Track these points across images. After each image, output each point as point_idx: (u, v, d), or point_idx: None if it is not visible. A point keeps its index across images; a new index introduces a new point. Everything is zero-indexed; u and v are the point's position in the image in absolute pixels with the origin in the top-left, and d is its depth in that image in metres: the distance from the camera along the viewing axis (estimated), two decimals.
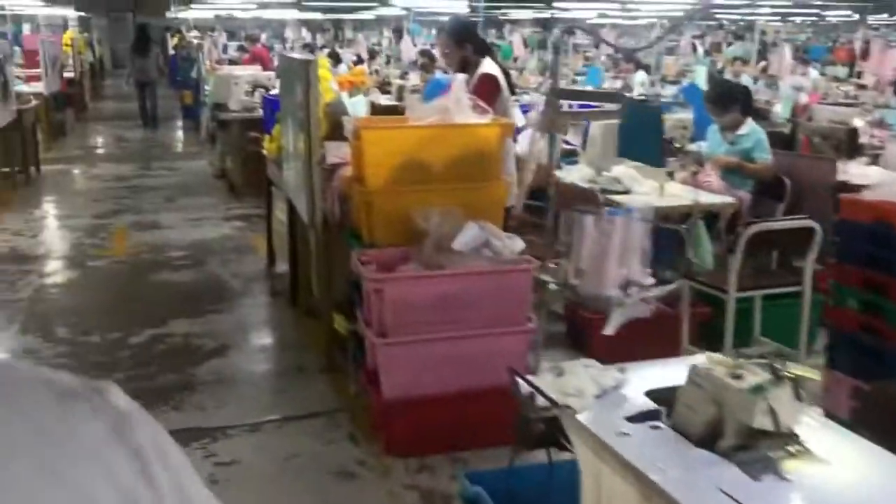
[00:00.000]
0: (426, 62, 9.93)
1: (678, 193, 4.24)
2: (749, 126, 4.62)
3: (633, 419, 1.75)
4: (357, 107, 4.59)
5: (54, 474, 0.46)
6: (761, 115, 6.42)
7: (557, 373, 1.99)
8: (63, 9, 23.24)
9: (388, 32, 21.57)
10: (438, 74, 9.68)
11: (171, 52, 19.47)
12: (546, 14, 21.50)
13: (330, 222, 3.85)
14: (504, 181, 3.58)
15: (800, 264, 3.82)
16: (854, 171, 4.93)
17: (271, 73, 9.31)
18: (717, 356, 1.81)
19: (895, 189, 3.42)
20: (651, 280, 2.77)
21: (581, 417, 1.78)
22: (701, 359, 1.82)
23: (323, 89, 4.35)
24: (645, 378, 1.93)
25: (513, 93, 4.38)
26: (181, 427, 3.46)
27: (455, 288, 3.13)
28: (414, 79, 9.64)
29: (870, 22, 20.45)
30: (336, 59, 13.12)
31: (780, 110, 7.46)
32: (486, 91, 4.00)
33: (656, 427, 1.73)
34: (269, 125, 7.81)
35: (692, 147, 5.07)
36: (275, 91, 8.90)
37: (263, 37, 18.34)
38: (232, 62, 14.60)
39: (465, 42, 4.22)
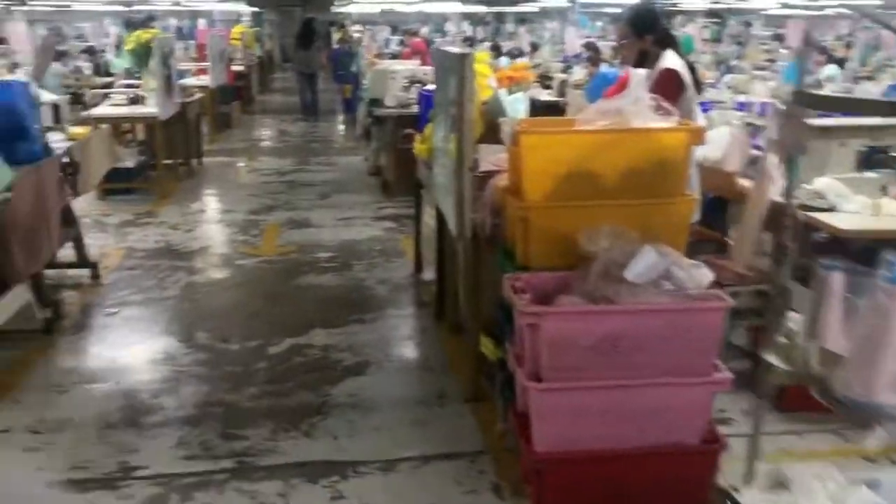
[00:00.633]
0: (592, 55, 9.33)
1: None
2: None
3: None
4: (516, 105, 4.13)
5: None
6: None
7: (775, 482, 1.45)
8: (236, 4, 24.19)
9: (551, 24, 20.99)
10: (604, 68, 9.08)
11: (335, 46, 19.80)
12: (722, 5, 20.18)
13: (480, 236, 3.41)
14: (689, 198, 3.00)
15: None
16: None
17: (429, 69, 9.03)
18: None
19: None
20: None
21: None
22: None
23: (479, 86, 3.93)
24: None
25: (699, 91, 3.77)
26: (311, 459, 3.15)
27: (626, 327, 2.60)
28: (578, 73, 9.06)
29: None
30: (497, 51, 12.74)
31: None
32: (669, 89, 3.43)
33: None
34: (425, 122, 7.51)
35: None
36: (431, 86, 8.62)
37: (424, 30, 18.23)
38: (393, 56, 14.58)
39: (647, 32, 3.65)
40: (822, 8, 20.27)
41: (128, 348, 4.28)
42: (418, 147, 4.77)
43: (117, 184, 7.84)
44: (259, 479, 3.04)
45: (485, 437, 3.31)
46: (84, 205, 7.18)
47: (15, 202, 3.72)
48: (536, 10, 28.02)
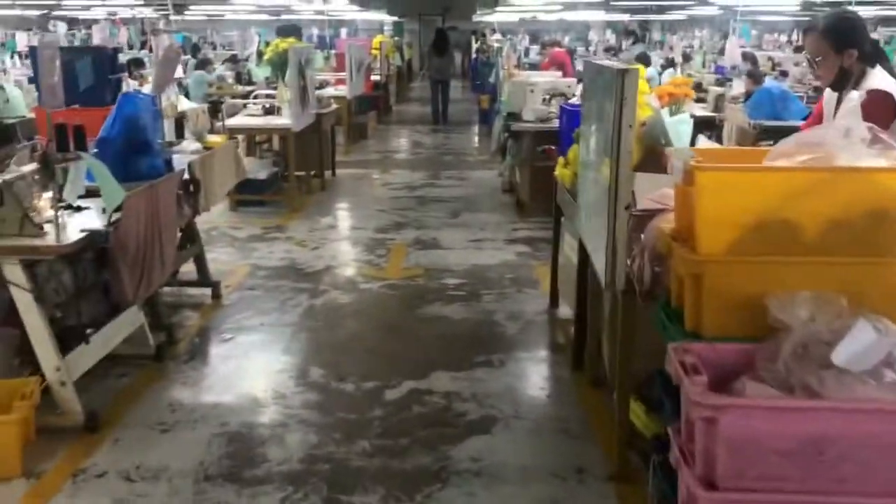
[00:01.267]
0: (752, 68, 8.50)
1: None
2: None
3: None
4: (680, 128, 3.54)
5: None
6: None
7: None
8: (378, 13, 24.39)
9: (700, 32, 19.90)
10: (769, 82, 8.23)
11: (474, 55, 19.51)
12: None
13: (635, 286, 2.86)
14: None
15: None
16: None
17: (571, 80, 8.48)
18: None
19: None
20: None
21: None
22: None
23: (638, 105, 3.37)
24: None
25: None
26: None
27: (834, 430, 1.99)
28: (738, 86, 8.26)
29: None
30: (645, 62, 12.01)
31: None
32: (880, 115, 2.76)
33: None
34: (566, 139, 6.97)
35: None
36: (574, 100, 8.06)
37: (566, 39, 17.63)
38: (532, 66, 14.10)
39: (849, 46, 2.98)
40: None
41: (238, 382, 3.97)
42: (560, 171, 4.24)
43: (249, 196, 7.75)
44: None
45: None
46: (214, 216, 7.10)
47: (126, 223, 3.48)
48: (683, 17, 26.76)
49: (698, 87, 9.73)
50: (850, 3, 10.62)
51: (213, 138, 8.35)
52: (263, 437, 3.42)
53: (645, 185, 3.24)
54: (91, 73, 6.75)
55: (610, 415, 3.46)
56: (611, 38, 24.29)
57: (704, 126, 7.63)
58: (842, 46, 2.98)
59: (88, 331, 3.64)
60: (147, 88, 8.44)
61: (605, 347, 3.83)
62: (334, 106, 9.23)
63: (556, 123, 7.32)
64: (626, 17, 26.65)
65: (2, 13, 19.25)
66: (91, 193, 3.68)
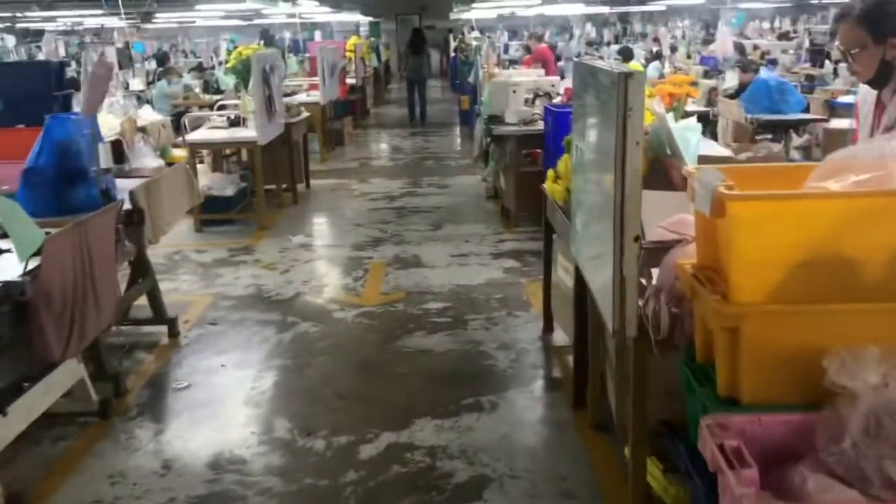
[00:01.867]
0: (743, 59, 8.05)
1: None
2: None
3: None
4: (687, 136, 3.06)
5: None
6: None
7: None
8: (352, 14, 23.83)
9: (682, 22, 19.50)
10: (764, 73, 7.78)
11: (452, 54, 19.02)
12: None
13: (650, 334, 2.37)
14: None
15: None
16: None
17: (555, 79, 8.02)
18: None
19: None
20: None
21: None
22: None
23: None
24: None
25: None
26: None
27: None
28: (731, 79, 7.80)
29: None
30: (628, 55, 11.57)
31: None
32: None
33: None
34: (552, 142, 6.50)
35: None
36: (559, 99, 7.59)
37: (547, 34, 17.17)
38: (513, 62, 13.62)
39: (893, 35, 2.50)
40: None
41: (191, 443, 3.46)
42: (550, 186, 3.76)
43: (215, 214, 7.23)
44: None
45: None
46: (177, 238, 6.59)
47: (47, 270, 2.97)
48: (664, 7, 26.38)
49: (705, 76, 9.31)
50: None
51: (178, 153, 7.86)
52: None
53: (652, 204, 2.76)
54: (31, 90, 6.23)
55: (619, 470, 2.99)
56: (591, 31, 23.88)
57: (699, 121, 7.19)
58: (883, 35, 2.50)
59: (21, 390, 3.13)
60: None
61: (609, 387, 3.36)
62: (305, 114, 8.70)
63: (541, 126, 6.85)
64: (605, 10, 26.25)
65: None
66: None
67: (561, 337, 4.34)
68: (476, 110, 9.32)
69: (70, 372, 3.51)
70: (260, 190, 7.17)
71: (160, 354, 4.46)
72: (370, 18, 27.18)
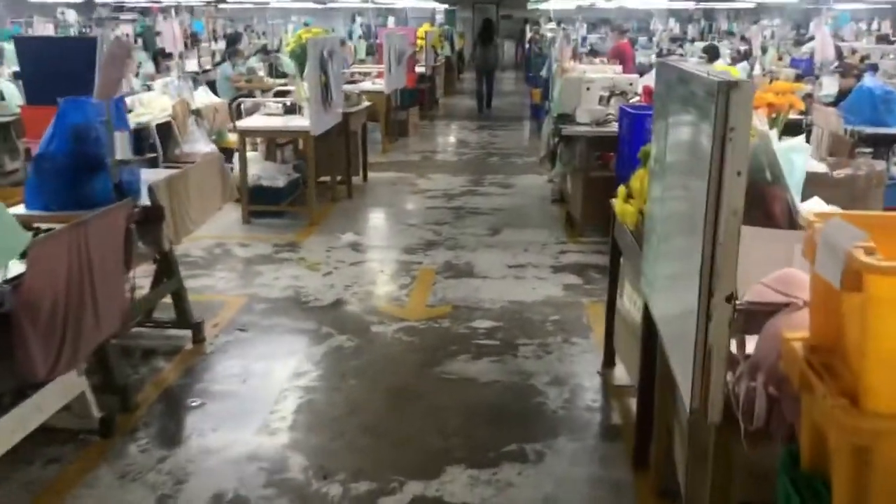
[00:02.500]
0: (845, 63, 7.30)
1: None
2: None
3: None
4: (792, 158, 2.51)
5: None
6: None
7: None
8: (428, 1, 23.38)
9: (771, 21, 18.45)
10: (868, 79, 7.03)
11: (527, 45, 18.42)
12: None
13: (738, 419, 1.84)
14: None
15: None
16: None
17: (633, 76, 7.41)
18: None
19: None
20: None
21: None
22: None
23: None
24: None
25: None
26: None
27: None
28: (828, 85, 7.07)
29: None
30: (714, 54, 10.84)
31: None
32: None
33: None
34: (628, 147, 5.93)
35: None
36: (636, 99, 7.00)
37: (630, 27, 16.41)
38: (594, 52, 12.94)
39: None
40: None
41: (193, 476, 3.07)
42: (621, 207, 3.22)
43: (264, 206, 6.88)
44: None
45: None
46: (222, 230, 6.27)
47: (34, 278, 2.60)
48: (753, 5, 25.17)
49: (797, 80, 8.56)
50: None
51: (235, 138, 7.54)
52: None
53: (746, 244, 2.21)
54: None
55: None
56: (674, 27, 22.92)
57: (789, 131, 6.52)
58: None
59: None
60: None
61: (677, 451, 2.83)
62: (365, 103, 8.29)
63: (615, 127, 6.28)
64: (690, 5, 25.16)
65: None
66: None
67: (623, 374, 3.81)
68: (546, 106, 8.77)
69: (68, 386, 3.16)
70: (311, 183, 6.78)
71: (181, 362, 4.09)
72: (446, 6, 26.69)
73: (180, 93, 7.64)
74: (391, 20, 19.70)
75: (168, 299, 4.30)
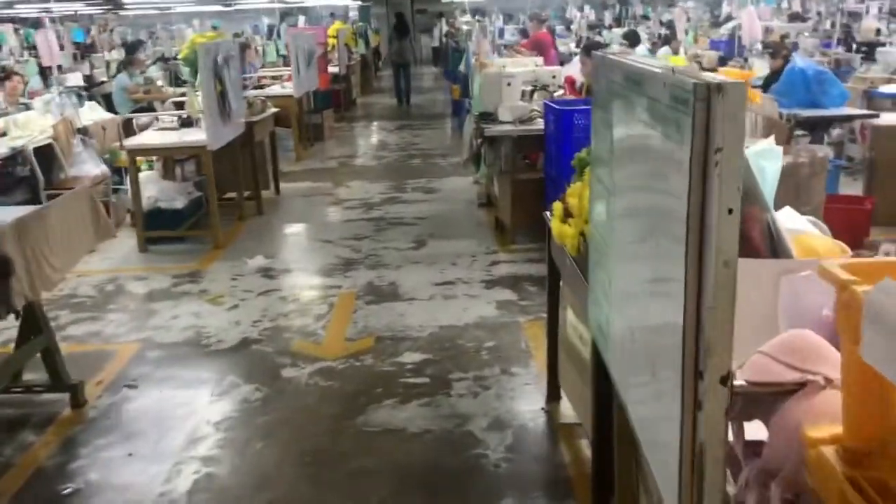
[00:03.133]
0: (774, 43, 7.01)
1: None
2: None
3: None
4: (763, 165, 2.05)
5: None
6: None
7: None
8: None
9: (685, 3, 18.37)
10: (799, 59, 6.75)
11: (443, 39, 17.93)
12: None
13: None
14: None
15: None
16: None
17: (556, 69, 6.99)
18: None
19: None
20: None
21: None
22: None
23: None
24: None
25: None
26: None
27: None
28: (760, 67, 6.77)
29: None
30: (634, 40, 10.54)
31: None
32: None
33: None
34: (556, 145, 5.49)
35: None
36: (559, 93, 6.57)
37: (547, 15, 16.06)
38: (508, 48, 12.54)
39: None
40: None
41: None
42: (558, 228, 2.73)
43: (162, 231, 6.22)
44: None
45: None
46: (115, 261, 5.62)
47: None
48: None
49: (722, 63, 8.31)
50: None
51: (125, 157, 6.82)
52: None
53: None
54: None
55: None
56: (590, 13, 22.76)
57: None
58: None
59: None
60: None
61: None
62: (272, 110, 7.66)
63: (541, 124, 5.84)
64: None
65: None
66: None
67: (569, 410, 3.35)
68: (466, 104, 8.30)
69: None
70: (213, 202, 6.14)
71: (55, 434, 3.45)
72: (359, 2, 26.02)
73: (63, 110, 6.88)
74: (302, 19, 18.93)
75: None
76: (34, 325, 3.55)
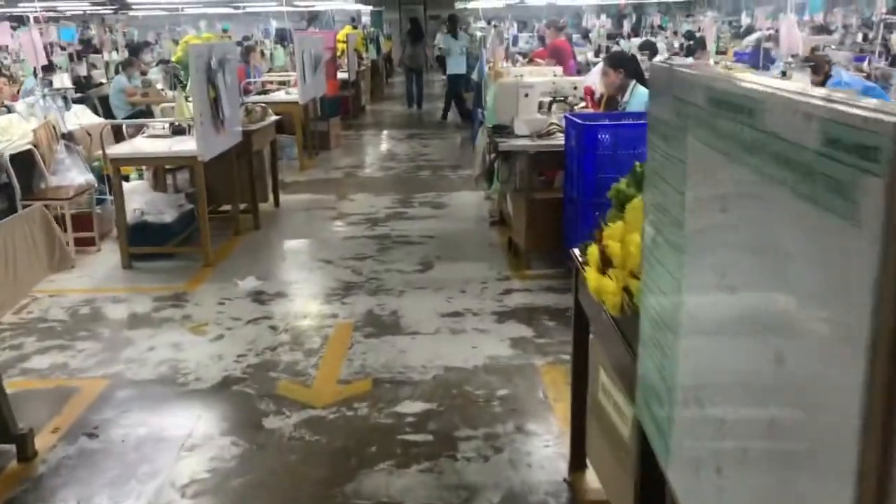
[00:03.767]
0: (816, 57, 6.49)
1: None
2: None
3: None
4: None
5: None
6: None
7: None
8: (351, 4, 22.28)
9: (710, 13, 17.86)
10: (845, 74, 6.23)
11: None
12: None
13: None
14: None
15: None
16: None
17: (577, 79, 6.49)
18: None
19: None
20: None
21: None
22: None
23: None
24: None
25: None
26: None
27: None
28: (800, 82, 6.23)
29: None
30: (653, 51, 10.04)
31: None
32: None
33: None
34: (578, 163, 4.98)
35: None
36: (581, 106, 6.06)
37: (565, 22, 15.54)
38: (523, 56, 12.07)
39: None
40: None
41: None
42: (595, 280, 2.20)
43: (149, 247, 5.74)
44: None
45: None
46: (96, 281, 5.18)
47: None
48: None
49: None
50: None
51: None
52: None
53: None
54: None
55: None
56: (606, 22, 22.28)
57: None
58: None
59: None
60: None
61: None
62: (272, 118, 7.18)
63: (560, 139, 5.34)
64: (617, 0, 24.58)
65: None
66: None
67: (596, 483, 2.83)
68: (478, 116, 7.81)
69: None
70: (203, 217, 5.64)
71: None
72: (371, 7, 25.61)
73: (46, 114, 6.42)
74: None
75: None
76: None
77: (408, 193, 7.93)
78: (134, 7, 17.56)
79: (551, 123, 5.59)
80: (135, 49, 13.57)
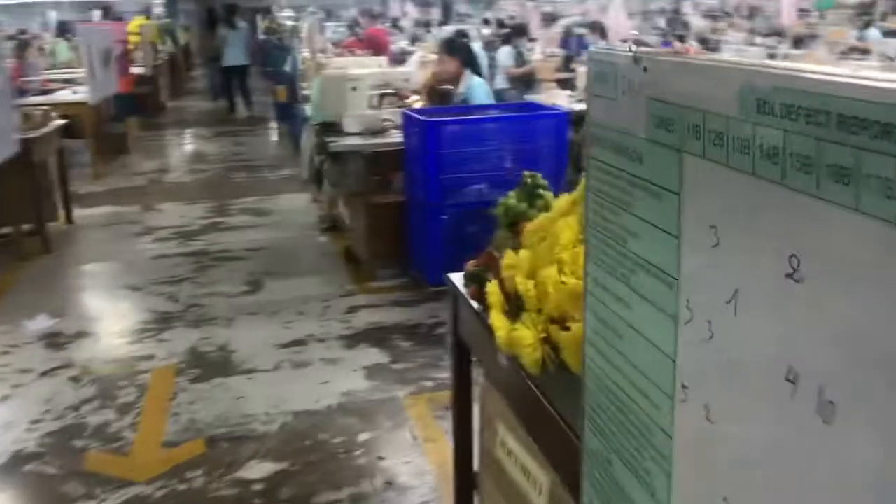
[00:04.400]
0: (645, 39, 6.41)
1: None
2: None
3: None
4: None
5: None
6: None
7: None
8: None
9: None
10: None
11: (262, 37, 16.52)
12: None
13: None
14: None
15: None
16: None
17: (407, 70, 6.06)
18: None
19: None
20: None
21: None
22: None
23: None
24: None
25: None
26: None
27: None
28: None
29: None
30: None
31: None
32: None
33: None
34: (421, 165, 4.52)
35: None
36: (413, 100, 5.62)
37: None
38: (337, 45, 11.48)
39: None
40: None
41: None
42: (505, 331, 1.72)
43: None
44: None
45: None
46: None
47: None
48: None
49: (566, 64, 7.71)
50: None
51: None
52: None
53: None
54: None
55: None
56: (411, 9, 22.05)
57: (581, 124, 5.49)
58: None
59: None
60: None
61: None
62: (57, 122, 6.20)
63: (396, 137, 4.88)
64: None
65: None
66: None
67: None
68: (299, 112, 7.19)
69: None
70: None
71: None
72: None
73: None
74: (97, 14, 16.86)
75: None
76: None
77: (224, 199, 7.17)
78: None
79: (384, 120, 5.11)
80: None
